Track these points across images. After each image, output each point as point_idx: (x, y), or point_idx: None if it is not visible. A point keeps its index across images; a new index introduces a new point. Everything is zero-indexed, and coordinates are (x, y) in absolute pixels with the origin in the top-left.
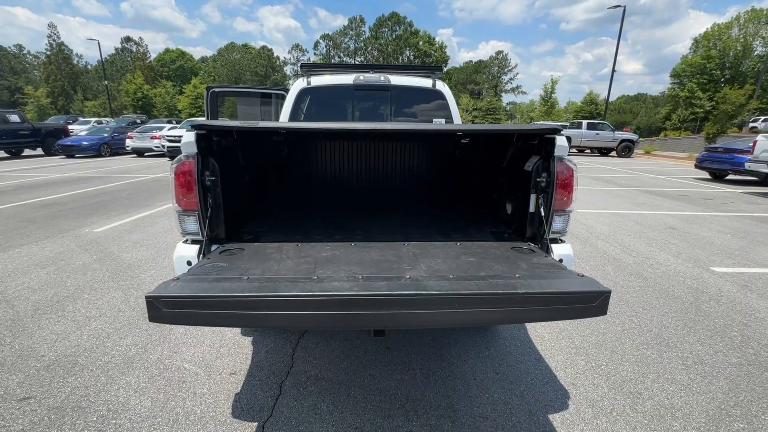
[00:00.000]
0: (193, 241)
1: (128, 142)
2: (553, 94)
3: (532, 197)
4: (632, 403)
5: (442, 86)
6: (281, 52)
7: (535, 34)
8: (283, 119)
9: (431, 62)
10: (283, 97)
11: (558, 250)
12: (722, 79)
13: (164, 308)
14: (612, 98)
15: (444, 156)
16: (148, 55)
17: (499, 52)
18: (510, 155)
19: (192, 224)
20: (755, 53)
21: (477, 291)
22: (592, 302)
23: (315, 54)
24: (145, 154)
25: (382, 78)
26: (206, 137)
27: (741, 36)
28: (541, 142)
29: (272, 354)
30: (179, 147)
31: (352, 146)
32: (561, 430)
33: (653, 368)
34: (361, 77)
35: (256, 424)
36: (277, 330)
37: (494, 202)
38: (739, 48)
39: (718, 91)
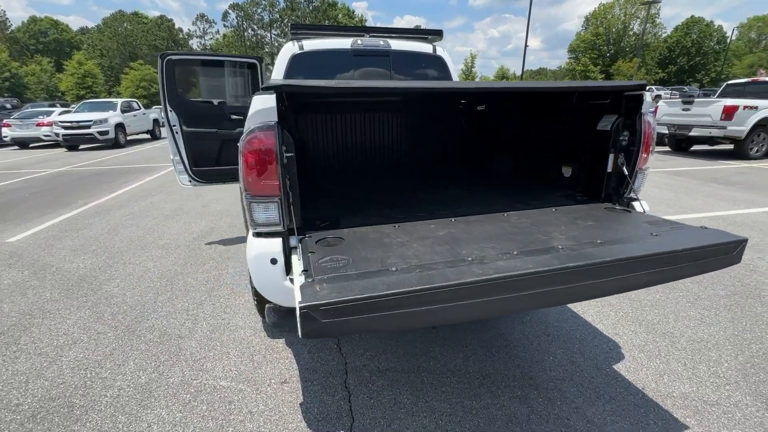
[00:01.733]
0: (268, 234)
1: (6, 131)
2: (473, 69)
3: (611, 157)
4: (670, 342)
5: (442, 52)
6: (184, 24)
7: (447, 9)
8: None
9: None
10: (255, 67)
11: (639, 208)
12: (608, 54)
13: (323, 318)
14: (518, 73)
15: (487, 122)
16: (9, 24)
17: (416, 27)
18: (571, 117)
19: (268, 213)
20: (632, 31)
21: (649, 253)
22: (732, 252)
23: (225, 26)
24: (31, 145)
25: (381, 42)
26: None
27: (621, 15)
28: (619, 101)
29: (316, 353)
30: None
31: (389, 117)
32: (630, 377)
33: (668, 309)
34: (359, 41)
35: None
36: (447, 324)
37: (543, 167)
38: (620, 26)
39: (607, 65)
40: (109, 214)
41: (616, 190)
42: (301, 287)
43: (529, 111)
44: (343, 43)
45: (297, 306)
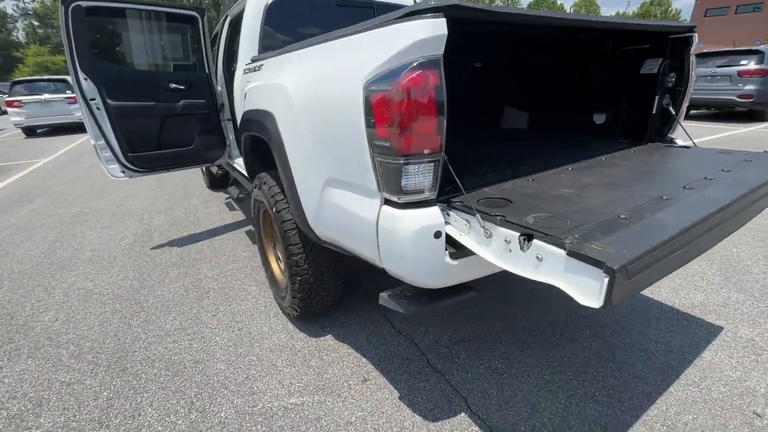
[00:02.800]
0: (416, 204)
1: None
2: None
3: (656, 99)
4: None
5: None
6: None
7: None
8: (250, 49)
9: None
10: (195, 21)
11: (682, 143)
12: None
13: (627, 279)
14: None
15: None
16: None
17: None
18: (606, 63)
19: (422, 176)
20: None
21: None
22: None
23: None
24: None
25: None
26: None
27: None
28: (662, 44)
29: (376, 341)
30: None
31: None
32: (658, 298)
33: None
34: None
35: (463, 414)
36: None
37: (574, 116)
38: (486, 0)
39: None
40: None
41: (659, 131)
42: (576, 250)
43: (557, 59)
44: None
45: (606, 270)
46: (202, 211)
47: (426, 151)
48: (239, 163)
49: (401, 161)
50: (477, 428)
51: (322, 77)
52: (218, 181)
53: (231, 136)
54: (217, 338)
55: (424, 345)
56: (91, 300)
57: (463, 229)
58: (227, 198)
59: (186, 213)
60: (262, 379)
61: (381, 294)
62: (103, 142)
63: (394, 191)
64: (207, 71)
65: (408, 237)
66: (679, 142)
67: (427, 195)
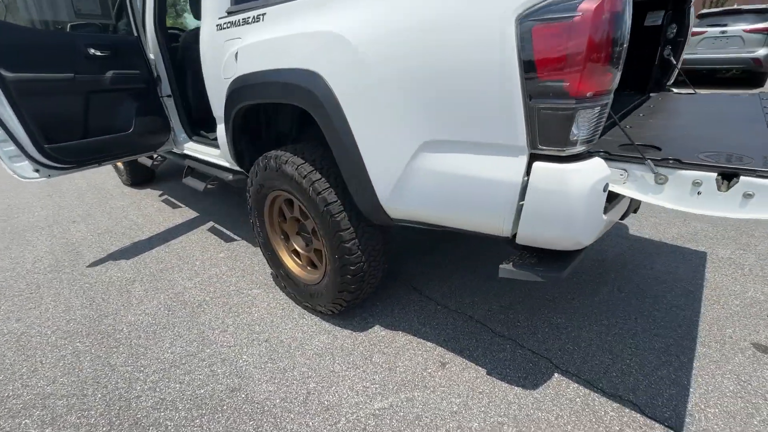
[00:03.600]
0: (577, 157)
1: None
2: None
3: (659, 50)
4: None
5: None
6: None
7: None
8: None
9: None
10: None
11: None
12: None
13: None
14: None
15: None
16: None
17: None
18: None
19: (589, 122)
20: None
21: None
22: None
23: None
24: None
25: None
26: None
27: None
28: None
29: (427, 319)
30: None
31: None
32: (646, 235)
33: None
34: None
35: (557, 374)
36: None
37: None
38: None
39: None
40: None
41: (658, 81)
42: None
43: None
44: None
45: None
46: (137, 214)
47: (600, 92)
48: (194, 149)
49: (575, 105)
50: (576, 385)
51: (423, 18)
52: (146, 176)
53: (174, 117)
54: (244, 356)
55: (480, 316)
56: (31, 345)
57: (618, 179)
58: (162, 194)
59: (114, 218)
60: (327, 390)
61: (502, 266)
62: (1, 131)
63: (560, 143)
64: (136, 33)
65: (583, 194)
66: (675, 90)
67: (589, 146)
